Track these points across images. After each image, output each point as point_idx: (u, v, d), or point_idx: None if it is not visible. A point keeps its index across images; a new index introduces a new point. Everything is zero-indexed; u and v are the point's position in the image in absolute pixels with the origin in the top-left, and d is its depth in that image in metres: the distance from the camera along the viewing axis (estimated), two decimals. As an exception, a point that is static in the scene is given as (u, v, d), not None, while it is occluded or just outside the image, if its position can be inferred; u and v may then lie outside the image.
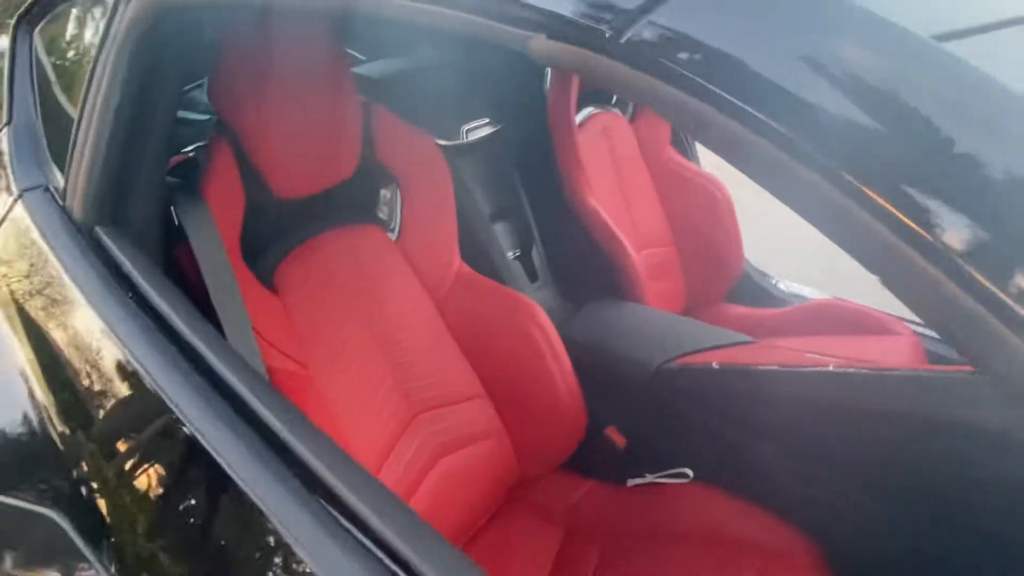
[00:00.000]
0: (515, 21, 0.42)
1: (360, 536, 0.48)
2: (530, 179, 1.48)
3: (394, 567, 0.46)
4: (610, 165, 1.63)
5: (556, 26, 0.40)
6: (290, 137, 0.97)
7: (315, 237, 1.06)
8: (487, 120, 1.39)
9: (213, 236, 0.86)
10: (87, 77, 0.74)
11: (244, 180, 0.95)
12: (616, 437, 1.23)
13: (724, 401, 1.13)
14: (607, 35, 0.37)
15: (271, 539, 0.51)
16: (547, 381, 1.17)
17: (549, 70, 1.38)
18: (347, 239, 1.11)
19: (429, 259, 1.20)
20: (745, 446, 1.11)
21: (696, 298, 1.75)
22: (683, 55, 0.37)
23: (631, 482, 1.24)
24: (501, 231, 1.42)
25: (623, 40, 0.37)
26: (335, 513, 0.49)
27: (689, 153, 1.78)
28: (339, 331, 1.06)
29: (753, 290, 1.78)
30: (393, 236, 1.19)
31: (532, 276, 1.46)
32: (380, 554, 0.47)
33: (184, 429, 0.55)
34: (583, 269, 1.46)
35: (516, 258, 1.44)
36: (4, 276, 0.71)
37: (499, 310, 1.19)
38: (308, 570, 0.48)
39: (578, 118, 1.57)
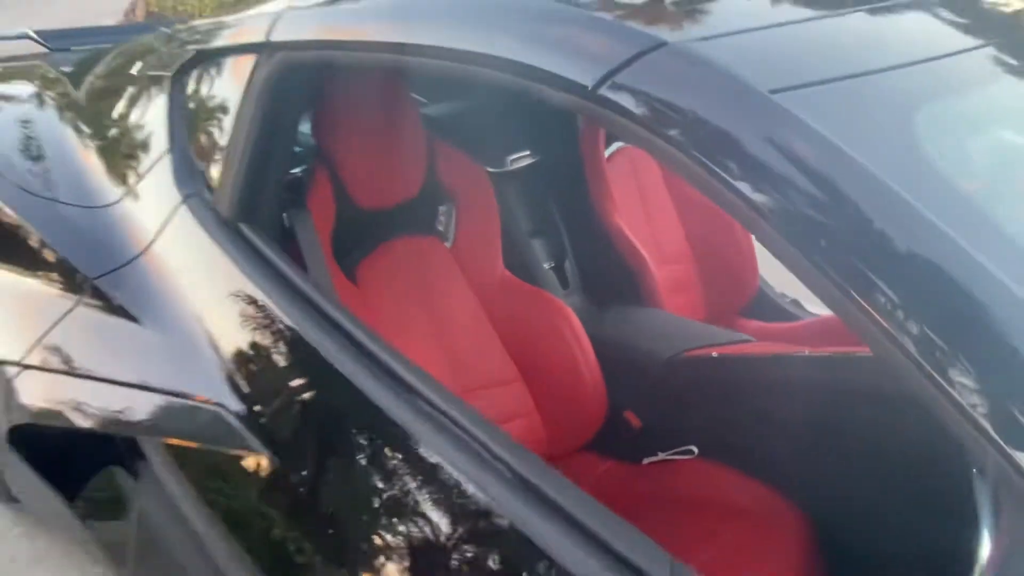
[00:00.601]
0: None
1: (504, 470, 0.69)
2: (564, 202, 1.72)
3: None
4: (636, 191, 1.86)
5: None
6: (371, 162, 1.24)
7: (388, 242, 1.32)
8: (528, 152, 1.65)
9: (314, 237, 1.12)
10: (235, 114, 1.01)
11: (336, 195, 1.22)
12: (633, 420, 1.44)
13: (723, 387, 1.33)
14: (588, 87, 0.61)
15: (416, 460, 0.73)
16: (574, 370, 1.39)
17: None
18: (413, 246, 1.37)
19: (477, 266, 1.45)
20: (740, 425, 1.31)
21: (713, 311, 1.95)
22: (640, 106, 0.60)
23: (646, 461, 1.44)
24: (538, 245, 1.67)
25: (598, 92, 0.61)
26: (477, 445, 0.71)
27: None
28: (404, 319, 1.31)
29: (767, 306, 1.97)
30: (448, 245, 1.44)
31: (564, 284, 1.70)
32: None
33: (331, 364, 0.79)
34: (608, 279, 1.69)
35: (551, 268, 1.68)
36: (173, 253, 0.98)
37: (535, 310, 1.43)
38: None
39: (609, 151, 1.81)
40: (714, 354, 1.32)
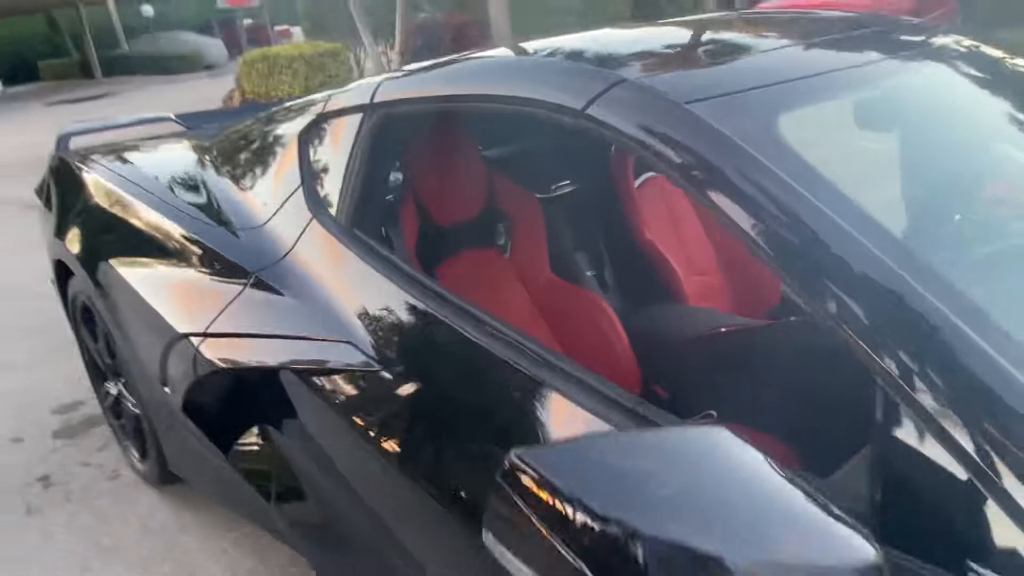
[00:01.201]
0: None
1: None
2: (601, 221, 2.08)
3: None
4: (666, 212, 2.20)
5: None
6: (445, 190, 1.64)
7: (459, 253, 1.71)
8: (568, 182, 2.03)
9: (404, 244, 1.52)
10: (348, 155, 1.43)
11: (419, 215, 1.62)
12: (660, 392, 1.74)
13: (734, 357, 1.63)
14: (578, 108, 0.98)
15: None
16: (610, 353, 1.71)
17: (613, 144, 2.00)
18: (479, 256, 1.75)
19: (529, 271, 1.81)
20: (750, 388, 1.60)
21: (740, 314, 2.23)
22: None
23: (672, 427, 1.73)
24: (581, 257, 2.02)
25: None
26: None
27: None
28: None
29: (791, 311, 2.24)
30: (506, 256, 1.81)
31: (604, 289, 2.03)
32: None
33: (460, 335, 1.15)
34: (642, 285, 2.02)
35: (592, 276, 2.02)
36: (307, 251, 1.39)
37: (577, 305, 1.77)
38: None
39: (640, 180, 2.16)
40: (723, 329, 1.62)
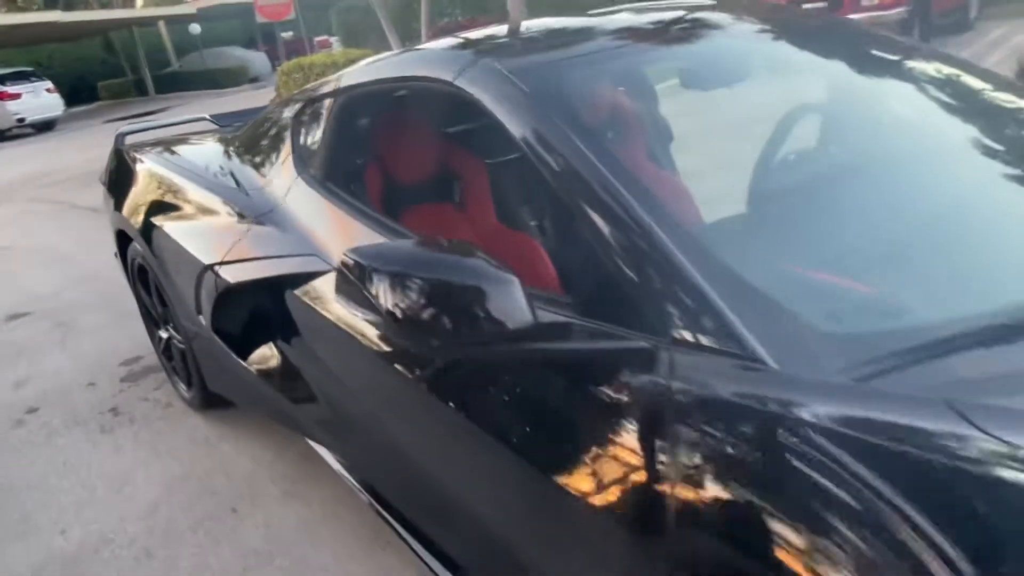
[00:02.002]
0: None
1: None
2: (541, 181, 2.54)
3: None
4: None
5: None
6: (400, 154, 2.12)
7: (419, 205, 2.19)
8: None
9: (367, 197, 2.01)
10: (323, 130, 1.93)
11: (382, 174, 2.10)
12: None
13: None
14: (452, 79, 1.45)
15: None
16: (543, 276, 2.18)
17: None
18: (436, 208, 2.22)
19: (479, 222, 2.27)
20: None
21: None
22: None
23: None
24: (524, 210, 2.48)
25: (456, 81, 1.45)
26: None
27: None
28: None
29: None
30: (459, 209, 2.29)
31: (543, 234, 2.50)
32: None
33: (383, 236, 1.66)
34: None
35: (535, 225, 2.49)
36: (294, 200, 1.90)
37: (518, 247, 2.23)
38: None
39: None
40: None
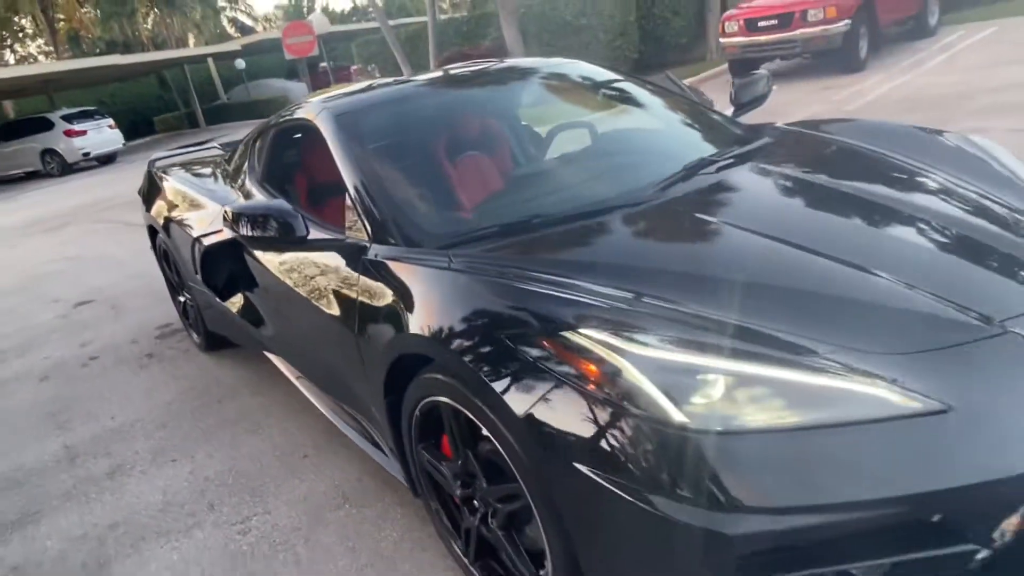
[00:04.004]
0: None
1: None
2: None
3: None
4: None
5: None
6: (316, 165, 3.26)
7: (334, 199, 3.32)
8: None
9: (296, 193, 3.16)
10: (263, 147, 3.11)
11: (307, 177, 3.24)
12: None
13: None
14: None
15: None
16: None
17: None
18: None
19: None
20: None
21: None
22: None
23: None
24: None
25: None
26: None
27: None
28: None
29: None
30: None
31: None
32: None
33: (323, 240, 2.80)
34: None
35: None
36: (247, 195, 3.07)
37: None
38: None
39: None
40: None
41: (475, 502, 1.75)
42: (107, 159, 20.22)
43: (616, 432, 1.28)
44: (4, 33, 35.76)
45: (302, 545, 2.22)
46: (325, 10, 49.36)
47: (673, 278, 1.58)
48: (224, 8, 43.48)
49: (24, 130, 19.85)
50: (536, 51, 12.15)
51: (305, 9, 47.57)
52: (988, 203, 1.87)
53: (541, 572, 1.58)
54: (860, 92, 8.00)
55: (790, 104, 8.08)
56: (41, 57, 38.52)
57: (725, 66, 10.51)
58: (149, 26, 39.08)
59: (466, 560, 1.85)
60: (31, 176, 19.93)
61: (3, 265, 8.10)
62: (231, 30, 43.90)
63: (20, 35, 37.75)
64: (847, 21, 8.87)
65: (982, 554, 1.23)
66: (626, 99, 2.90)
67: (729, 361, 1.29)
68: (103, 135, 19.94)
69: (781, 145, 2.40)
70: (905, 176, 2.06)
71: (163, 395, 3.58)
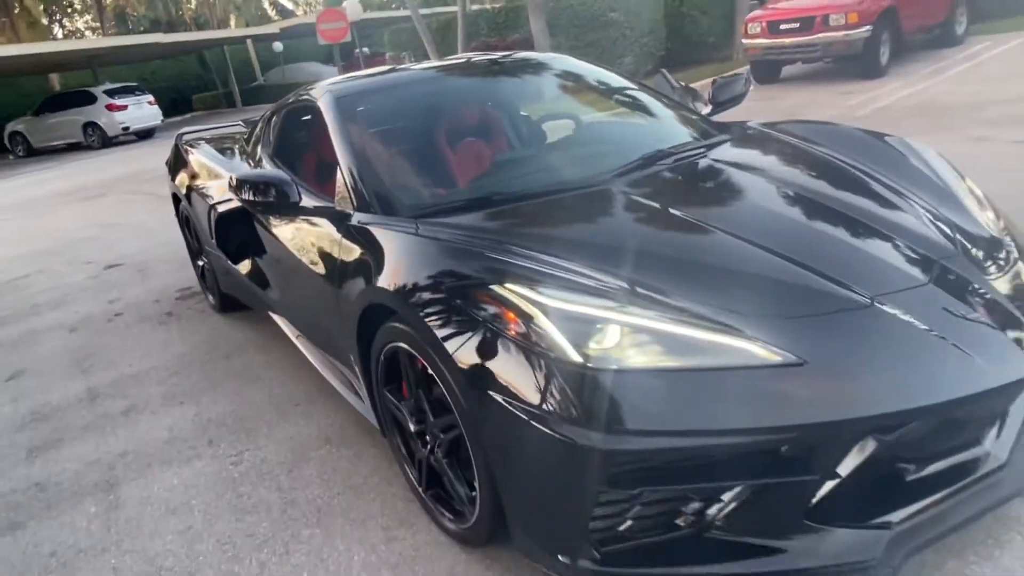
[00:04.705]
0: None
1: None
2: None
3: None
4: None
5: None
6: (308, 141, 3.55)
7: (308, 161, 3.60)
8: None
9: (304, 169, 3.45)
10: (277, 124, 3.40)
11: (316, 155, 3.53)
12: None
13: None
14: None
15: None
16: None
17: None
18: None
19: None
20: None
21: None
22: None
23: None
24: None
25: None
26: None
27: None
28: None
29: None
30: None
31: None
32: None
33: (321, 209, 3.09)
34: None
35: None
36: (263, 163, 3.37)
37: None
38: None
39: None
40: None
41: (426, 436, 2.02)
42: (146, 134, 20.86)
43: (527, 368, 1.53)
44: (54, 8, 36.87)
45: (285, 476, 2.51)
46: (364, -4, 49.84)
47: (591, 247, 1.84)
48: (266, -10, 44.22)
49: (69, 103, 20.56)
50: (564, 45, 12.34)
51: (345, -6, 48.09)
52: (897, 197, 2.08)
53: (472, 493, 1.84)
54: (876, 98, 8.07)
55: (807, 106, 8.20)
56: (88, 32, 39.64)
57: (748, 67, 10.59)
58: (192, 6, 39.95)
59: (420, 489, 2.13)
60: (72, 148, 20.65)
61: (42, 230, 8.58)
62: (272, 12, 44.64)
63: (69, 10, 38.88)
64: (868, 27, 8.92)
65: (825, 485, 1.47)
66: (609, 94, 3.14)
67: (621, 315, 1.54)
68: (143, 111, 20.56)
69: (738, 141, 2.62)
70: (828, 170, 2.28)
71: (178, 348, 3.91)
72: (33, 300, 5.40)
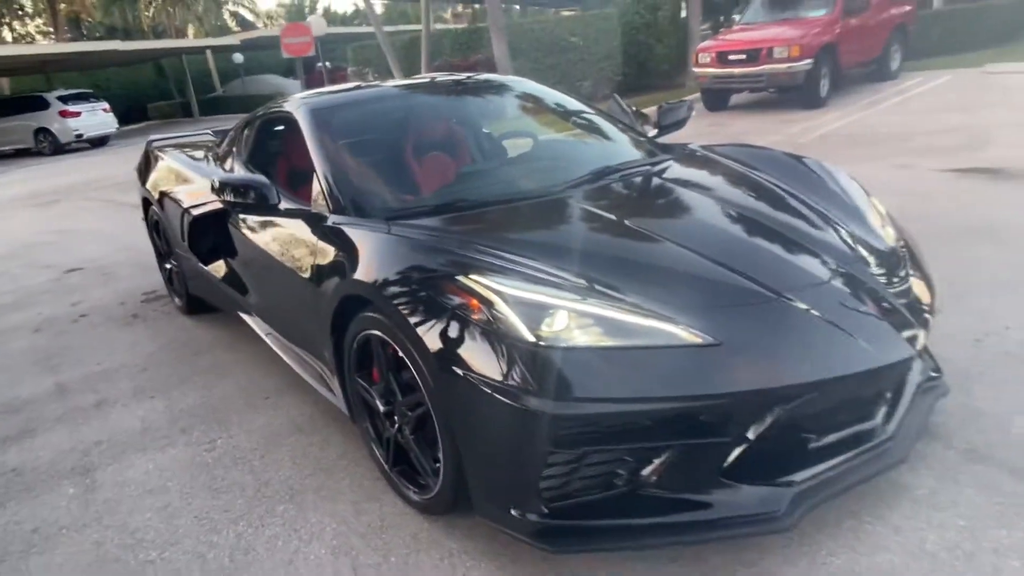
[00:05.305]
0: None
1: None
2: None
3: None
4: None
5: None
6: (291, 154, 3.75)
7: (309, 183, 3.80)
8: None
9: (276, 175, 3.64)
10: (249, 134, 3.59)
11: (287, 162, 3.72)
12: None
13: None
14: None
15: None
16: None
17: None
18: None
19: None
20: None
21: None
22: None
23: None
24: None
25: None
26: None
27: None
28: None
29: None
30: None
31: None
32: None
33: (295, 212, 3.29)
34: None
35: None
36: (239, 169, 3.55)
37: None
38: None
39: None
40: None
41: (394, 416, 2.24)
42: (99, 141, 20.54)
43: (488, 347, 1.77)
44: (3, 11, 35.95)
45: (258, 460, 2.69)
46: (327, 11, 50.06)
47: (544, 246, 2.11)
48: (226, 1, 43.96)
49: (19, 107, 20.13)
50: (525, 67, 12.73)
51: (307, 9, 48.14)
52: (810, 212, 2.41)
53: (437, 465, 2.06)
54: (816, 126, 8.61)
55: (753, 133, 8.69)
56: (39, 37, 38.72)
57: (699, 94, 11.12)
58: (150, 14, 39.42)
59: (387, 467, 2.33)
60: (21, 153, 20.19)
61: (-5, 233, 8.49)
62: (232, 24, 44.35)
63: (19, 13, 37.94)
64: (810, 60, 9.51)
65: (737, 447, 1.74)
66: (565, 115, 3.43)
67: (568, 302, 1.80)
68: (97, 118, 20.27)
69: (678, 161, 2.93)
70: (754, 188, 2.60)
71: (145, 348, 4.03)
72: (-8, 302, 5.43)
